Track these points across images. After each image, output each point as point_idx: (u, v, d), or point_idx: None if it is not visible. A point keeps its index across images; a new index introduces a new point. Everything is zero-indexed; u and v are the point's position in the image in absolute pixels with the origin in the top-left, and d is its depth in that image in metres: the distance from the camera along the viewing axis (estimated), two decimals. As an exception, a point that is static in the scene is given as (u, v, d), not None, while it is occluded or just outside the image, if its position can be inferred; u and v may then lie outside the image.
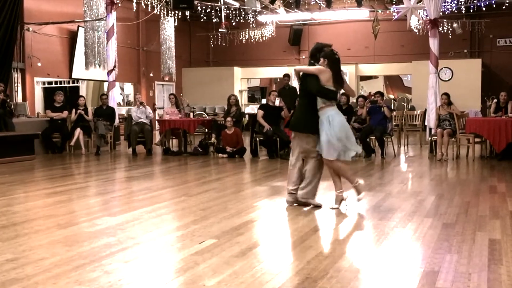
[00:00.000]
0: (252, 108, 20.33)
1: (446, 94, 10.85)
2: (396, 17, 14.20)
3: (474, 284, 3.35)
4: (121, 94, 21.51)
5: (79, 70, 16.46)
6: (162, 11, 16.85)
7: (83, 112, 12.50)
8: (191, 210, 5.76)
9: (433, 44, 11.62)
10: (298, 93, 6.31)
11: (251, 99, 23.97)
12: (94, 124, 12.52)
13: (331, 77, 5.74)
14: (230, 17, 18.88)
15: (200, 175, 9.06)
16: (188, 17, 18.46)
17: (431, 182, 7.98)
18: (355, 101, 12.62)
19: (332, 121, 5.67)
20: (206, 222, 5.11)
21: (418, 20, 17.23)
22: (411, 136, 14.37)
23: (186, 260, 3.90)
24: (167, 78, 19.74)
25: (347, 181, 5.90)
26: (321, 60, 5.82)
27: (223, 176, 8.91)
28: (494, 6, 16.76)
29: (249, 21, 19.58)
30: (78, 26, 16.33)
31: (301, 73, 5.94)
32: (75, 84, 18.84)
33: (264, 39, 20.92)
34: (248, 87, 24.27)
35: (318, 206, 5.82)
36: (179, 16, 17.75)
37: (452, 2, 16.84)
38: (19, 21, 14.45)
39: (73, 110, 12.54)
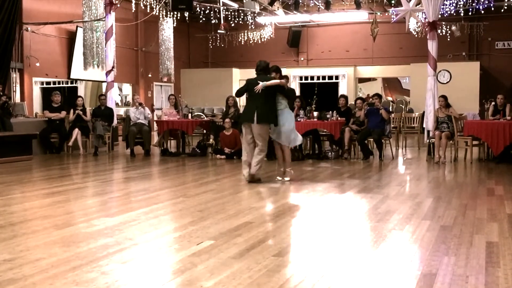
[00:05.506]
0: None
1: (444, 96, 10.85)
2: (394, 19, 14.21)
3: (472, 287, 3.36)
4: (119, 94, 21.50)
5: (77, 70, 16.45)
6: (161, 12, 16.85)
7: (81, 113, 12.47)
8: (189, 211, 5.76)
9: (432, 47, 11.62)
10: (265, 96, 7.60)
11: (250, 101, 23.94)
12: (92, 124, 12.50)
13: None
14: (229, 19, 18.90)
15: (198, 176, 9.06)
16: (187, 18, 18.46)
17: (429, 185, 7.99)
18: (353, 103, 12.61)
19: (290, 116, 7.86)
20: (203, 223, 5.11)
21: (417, 22, 17.26)
22: (409, 138, 14.38)
23: (183, 261, 3.90)
24: (165, 79, 19.74)
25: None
26: (273, 74, 7.82)
27: (221, 177, 8.91)
28: (492, 9, 16.81)
29: (248, 22, 19.59)
30: (77, 27, 16.32)
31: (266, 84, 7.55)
32: (74, 85, 18.84)
33: (262, 40, 20.95)
34: (247, 89, 24.25)
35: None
36: (178, 17, 17.75)
37: (451, 5, 16.89)
38: (18, 21, 14.45)
39: (71, 111, 12.54)
